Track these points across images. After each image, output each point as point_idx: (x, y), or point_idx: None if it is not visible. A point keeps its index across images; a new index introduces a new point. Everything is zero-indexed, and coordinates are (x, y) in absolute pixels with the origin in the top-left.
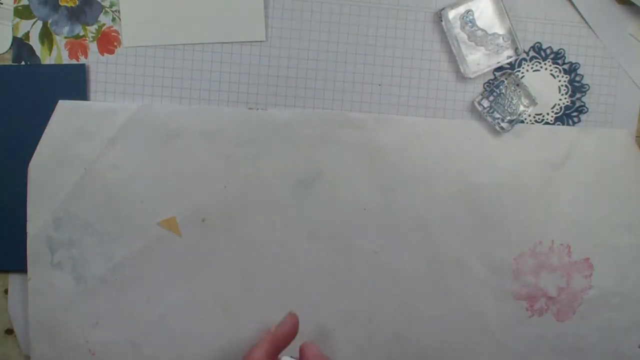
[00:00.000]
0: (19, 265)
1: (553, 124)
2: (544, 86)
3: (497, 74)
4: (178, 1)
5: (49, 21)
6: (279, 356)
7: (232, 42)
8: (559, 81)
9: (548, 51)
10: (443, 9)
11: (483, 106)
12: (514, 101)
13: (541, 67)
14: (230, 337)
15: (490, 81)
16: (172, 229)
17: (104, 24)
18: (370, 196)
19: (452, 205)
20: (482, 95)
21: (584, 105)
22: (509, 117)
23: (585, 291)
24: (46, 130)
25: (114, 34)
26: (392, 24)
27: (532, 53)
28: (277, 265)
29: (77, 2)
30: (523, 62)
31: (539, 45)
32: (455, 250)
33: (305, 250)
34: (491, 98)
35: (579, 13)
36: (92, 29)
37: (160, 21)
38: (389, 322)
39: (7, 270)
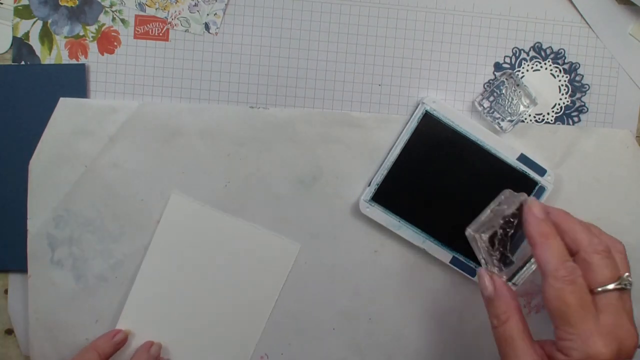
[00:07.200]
0: (19, 264)
1: (553, 123)
2: (544, 86)
3: (497, 74)
4: None
5: (49, 21)
6: None
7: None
8: (559, 81)
9: (548, 51)
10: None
11: (483, 106)
12: (514, 101)
13: (541, 67)
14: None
15: (491, 81)
16: None
17: (104, 24)
18: None
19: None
20: (482, 95)
21: (584, 105)
22: (509, 117)
23: None
24: (47, 128)
25: (113, 33)
26: (392, 24)
27: (532, 53)
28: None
29: (77, 2)
30: (523, 62)
31: (539, 45)
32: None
33: (305, 249)
34: (491, 98)
35: (579, 13)
36: (92, 28)
37: None
38: (389, 321)
39: (7, 270)
